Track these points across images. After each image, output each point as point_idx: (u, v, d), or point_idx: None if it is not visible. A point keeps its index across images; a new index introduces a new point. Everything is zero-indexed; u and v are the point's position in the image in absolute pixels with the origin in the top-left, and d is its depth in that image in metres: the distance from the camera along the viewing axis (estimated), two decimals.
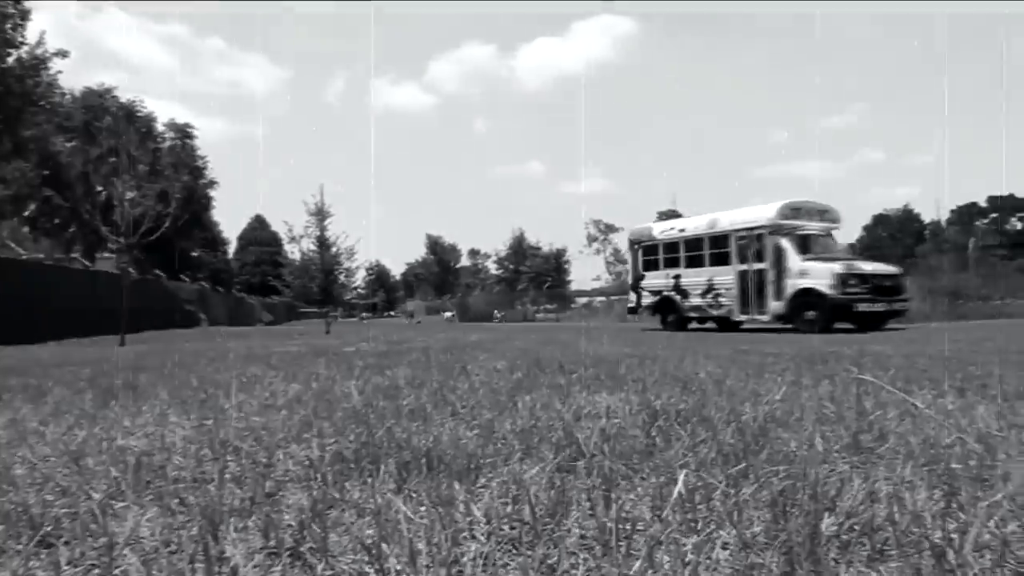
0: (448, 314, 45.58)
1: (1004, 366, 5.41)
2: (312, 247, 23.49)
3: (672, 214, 59.95)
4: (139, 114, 42.89)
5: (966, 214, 59.66)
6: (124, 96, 42.74)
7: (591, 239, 61.19)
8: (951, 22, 70.72)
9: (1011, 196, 58.73)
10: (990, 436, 2.25)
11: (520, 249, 65.56)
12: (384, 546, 1.28)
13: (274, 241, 63.24)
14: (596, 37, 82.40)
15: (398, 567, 1.22)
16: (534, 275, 60.24)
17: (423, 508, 1.54)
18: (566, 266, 63.37)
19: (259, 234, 71.04)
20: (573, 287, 61.61)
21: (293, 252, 24.74)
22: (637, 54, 79.83)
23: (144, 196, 15.38)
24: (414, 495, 1.64)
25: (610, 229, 60.77)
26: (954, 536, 1.26)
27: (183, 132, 47.75)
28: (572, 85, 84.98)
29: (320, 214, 23.24)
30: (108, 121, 36.97)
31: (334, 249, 23.39)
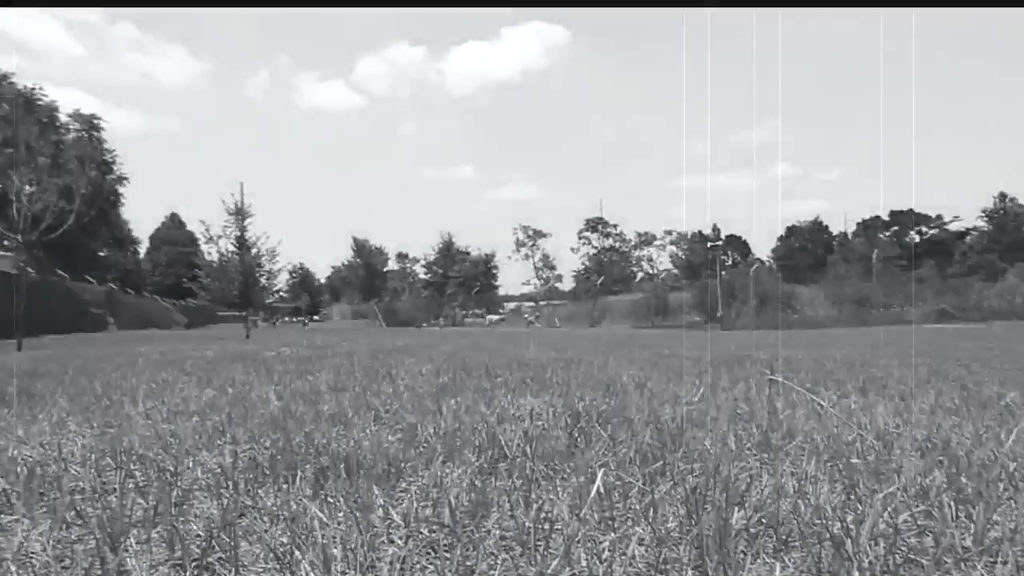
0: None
1: (903, 368, 5.79)
2: (231, 248, 22.59)
3: (599, 221, 61.21)
4: (39, 103, 40.03)
5: (870, 227, 63.67)
6: (22, 83, 39.80)
7: (520, 244, 61.64)
8: (859, 48, 75.55)
9: (911, 211, 63.16)
10: (887, 432, 2.40)
11: (449, 253, 65.22)
12: (297, 553, 1.24)
13: (190, 241, 60.54)
14: (526, 44, 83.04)
15: (312, 574, 1.18)
16: (463, 280, 60.09)
17: (341, 514, 1.50)
18: (495, 271, 63.54)
19: (173, 233, 67.75)
20: (502, 292, 61.94)
21: (210, 253, 23.68)
22: (567, 63, 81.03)
23: (44, 191, 14.35)
24: (331, 501, 1.60)
25: (538, 235, 61.37)
26: (852, 527, 1.33)
27: (89, 123, 44.91)
28: (502, 90, 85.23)
29: (240, 213, 22.38)
30: (4, 109, 34.41)
31: (254, 250, 22.57)
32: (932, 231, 62.15)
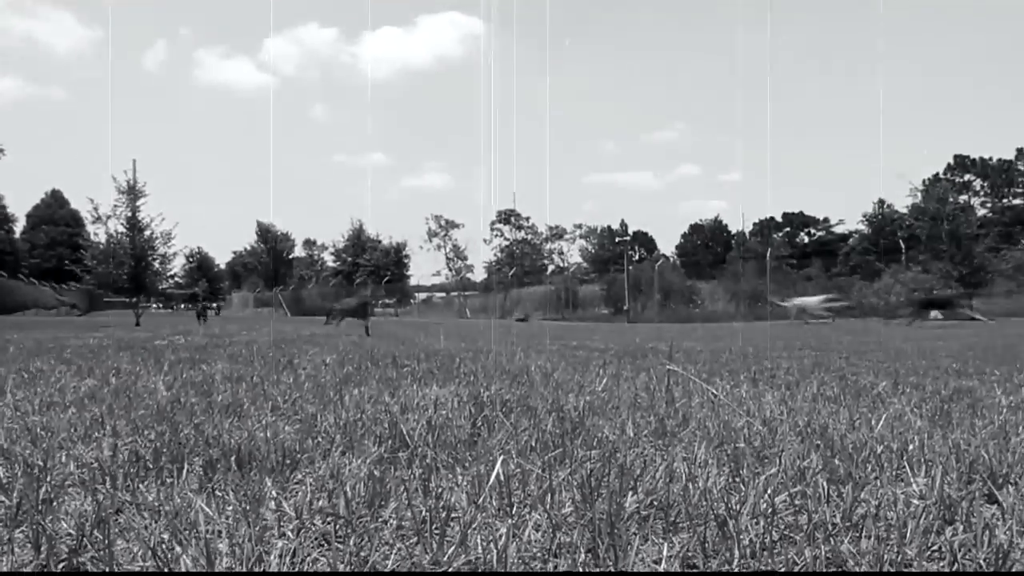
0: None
1: (791, 360, 6.17)
2: (121, 229, 21.13)
3: (512, 213, 61.70)
4: None
5: (765, 227, 67.61)
6: None
7: (432, 234, 61.15)
8: (758, 57, 79.91)
9: (801, 213, 67.54)
10: (773, 419, 2.55)
11: (359, 241, 63.67)
12: (178, 548, 1.17)
13: (74, 220, 56.27)
14: (442, 32, 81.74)
15: (194, 569, 1.12)
16: (373, 268, 58.91)
17: (229, 508, 1.43)
18: (406, 260, 62.64)
19: (55, 212, 62.56)
20: (413, 282, 61.23)
21: (98, 234, 22.04)
22: (483, 54, 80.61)
23: None
24: (220, 494, 1.52)
25: (451, 225, 61.11)
26: (736, 507, 1.40)
27: None
28: (417, 77, 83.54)
29: (132, 192, 20.97)
30: None
31: (148, 232, 21.22)
32: (819, 233, 66.72)
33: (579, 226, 64.58)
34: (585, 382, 3.72)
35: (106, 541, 1.23)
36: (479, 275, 61.97)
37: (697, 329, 17.80)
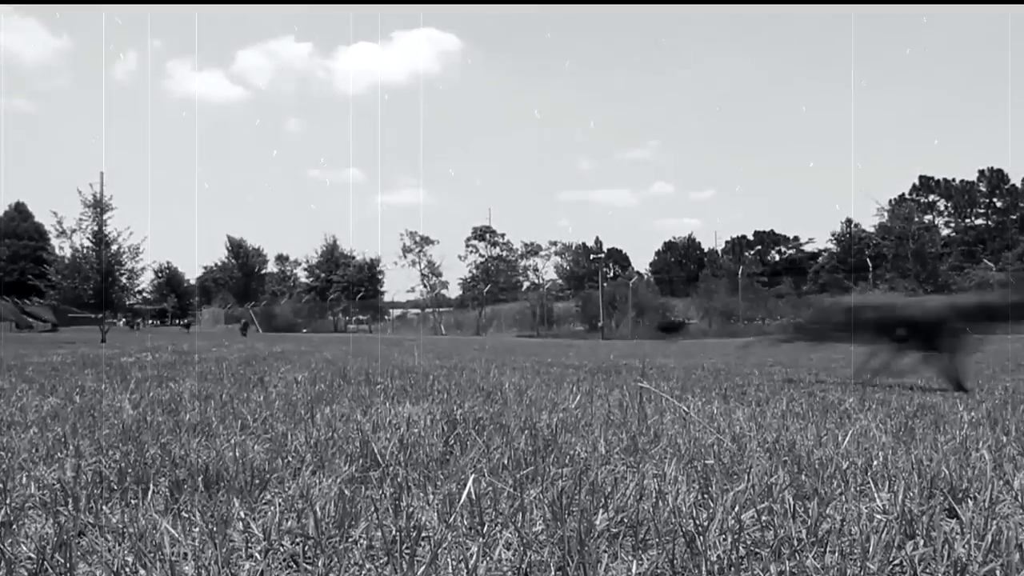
0: None
1: (761, 376, 6.26)
2: (87, 243, 20.72)
3: (487, 229, 61.77)
4: None
5: (738, 245, 68.68)
6: None
7: (406, 250, 60.88)
8: (730, 77, 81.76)
9: (771, 232, 68.83)
10: (743, 436, 2.58)
11: (332, 257, 63.14)
12: (142, 572, 1.15)
13: (38, 234, 55.15)
14: (418, 48, 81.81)
15: None
16: (347, 284, 58.40)
17: (196, 529, 1.41)
18: (380, 276, 62.18)
19: (19, 225, 61.18)
20: (387, 298, 60.83)
21: (63, 248, 21.59)
22: (458, 71, 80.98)
23: None
24: (186, 516, 1.50)
25: (425, 241, 60.93)
26: (704, 524, 1.42)
27: None
28: (392, 93, 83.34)
29: (99, 206, 20.59)
30: None
31: (115, 247, 20.83)
32: (790, 251, 67.99)
33: (554, 243, 64.83)
34: (559, 399, 3.73)
35: (68, 565, 1.21)
36: (454, 292, 61.83)
37: (670, 346, 17.96)
